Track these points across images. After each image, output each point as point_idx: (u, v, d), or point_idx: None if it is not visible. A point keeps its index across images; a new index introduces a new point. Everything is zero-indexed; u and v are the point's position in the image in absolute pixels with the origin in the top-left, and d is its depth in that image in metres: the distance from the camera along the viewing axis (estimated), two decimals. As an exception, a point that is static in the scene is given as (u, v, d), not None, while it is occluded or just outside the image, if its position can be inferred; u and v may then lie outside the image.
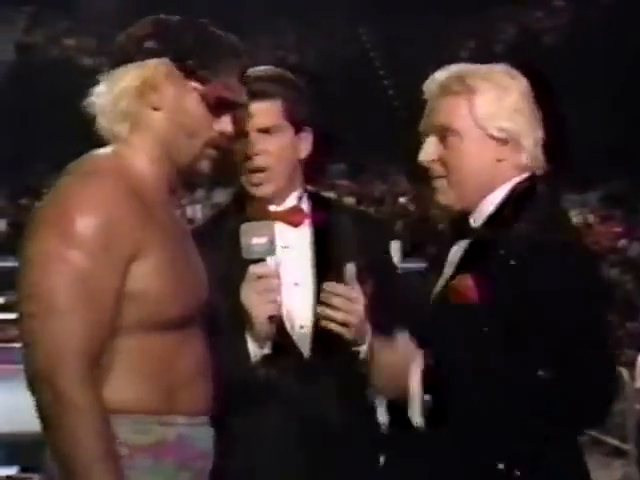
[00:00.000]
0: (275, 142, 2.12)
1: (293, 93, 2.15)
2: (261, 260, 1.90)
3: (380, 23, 22.15)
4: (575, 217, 13.36)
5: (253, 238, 1.89)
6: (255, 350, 1.97)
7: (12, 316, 8.48)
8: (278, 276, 2.00)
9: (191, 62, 1.77)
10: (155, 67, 1.76)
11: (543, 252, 1.80)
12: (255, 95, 2.08)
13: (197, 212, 14.81)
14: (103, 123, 1.78)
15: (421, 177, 2.04)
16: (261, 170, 2.12)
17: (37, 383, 1.61)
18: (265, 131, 2.11)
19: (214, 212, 2.29)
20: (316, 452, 2.08)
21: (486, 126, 1.90)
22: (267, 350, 1.97)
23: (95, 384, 1.62)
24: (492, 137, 1.92)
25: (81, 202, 1.66)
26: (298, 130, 2.15)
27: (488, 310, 1.81)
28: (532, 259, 1.79)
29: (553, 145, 1.98)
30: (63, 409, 1.58)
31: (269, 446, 2.07)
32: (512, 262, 1.81)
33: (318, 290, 2.05)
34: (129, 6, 21.23)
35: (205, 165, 1.82)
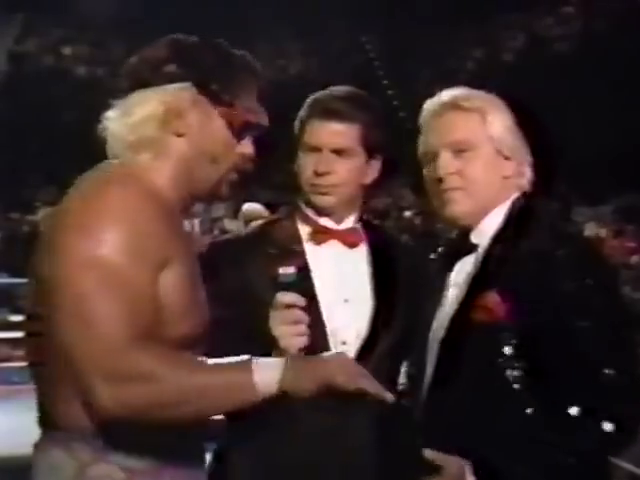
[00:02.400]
0: (345, 165, 2.21)
1: (372, 118, 2.22)
2: (289, 290, 1.93)
3: (384, 32, 22.20)
4: (587, 231, 13.36)
5: (280, 268, 1.92)
6: None
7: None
8: (317, 305, 2.11)
9: (215, 86, 1.78)
10: (179, 93, 1.78)
11: (564, 266, 1.86)
12: (335, 115, 2.19)
13: (195, 226, 14.82)
14: (119, 149, 1.79)
15: (427, 191, 2.10)
16: (325, 187, 2.21)
17: (100, 388, 1.59)
18: (338, 152, 2.17)
19: (259, 225, 2.35)
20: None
21: (496, 142, 2.03)
22: None
23: (154, 345, 1.62)
24: (501, 153, 2.04)
25: (115, 209, 1.66)
26: (370, 156, 2.22)
27: (514, 328, 1.86)
28: (552, 274, 1.85)
29: (541, 167, 2.09)
30: (145, 387, 1.59)
31: (286, 470, 2.08)
32: (531, 277, 1.86)
33: (374, 309, 2.18)
34: (126, 15, 21.30)
35: (225, 190, 1.85)
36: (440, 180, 2.04)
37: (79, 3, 22.04)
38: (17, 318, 9.47)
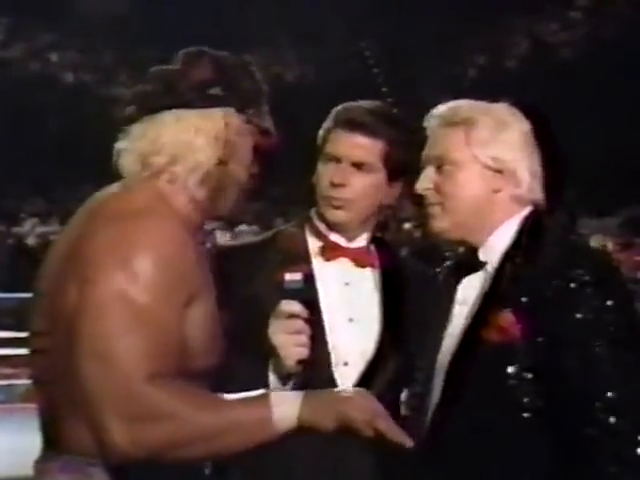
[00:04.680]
0: (363, 180, 2.22)
1: (399, 137, 2.22)
2: (294, 297, 1.94)
3: (384, 38, 22.25)
4: (592, 244, 13.33)
5: (287, 274, 1.93)
6: (276, 385, 1.99)
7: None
8: (320, 318, 2.07)
9: (250, 111, 1.85)
10: (226, 121, 1.82)
11: (582, 288, 1.86)
12: (359, 127, 2.21)
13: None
14: (143, 166, 1.81)
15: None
16: (339, 201, 2.21)
17: (117, 427, 1.61)
18: (357, 166, 2.18)
19: (272, 232, 2.38)
20: None
21: (480, 155, 2.03)
22: (288, 388, 2.00)
23: (173, 383, 1.65)
24: (487, 166, 2.03)
25: (149, 241, 1.68)
26: (392, 177, 2.22)
27: (527, 349, 1.86)
28: (570, 295, 1.85)
29: (552, 186, 2.07)
30: (175, 425, 1.62)
31: None
32: (547, 297, 1.86)
33: (381, 331, 2.19)
34: (116, 20, 21.33)
35: (236, 208, 1.90)
36: (421, 195, 2.08)
37: (66, 8, 22.07)
38: (-1, 334, 9.45)
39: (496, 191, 2.03)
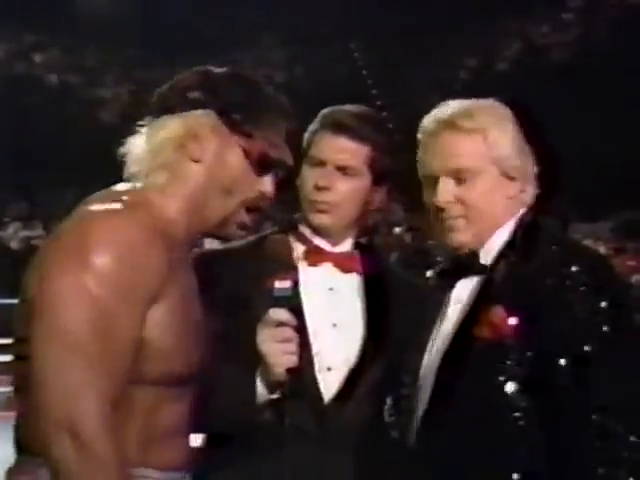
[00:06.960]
0: (347, 184, 2.23)
1: (384, 143, 2.23)
2: (283, 305, 1.95)
3: (374, 39, 22.27)
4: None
5: (276, 281, 1.94)
6: (263, 393, 2.00)
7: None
8: (302, 326, 2.08)
9: (237, 116, 1.85)
10: (198, 118, 1.85)
11: (577, 286, 1.87)
12: (345, 130, 2.21)
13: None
14: (137, 171, 1.84)
15: (418, 207, 2.10)
16: (324, 204, 2.23)
17: (55, 434, 1.62)
18: (342, 170, 2.19)
19: (256, 236, 2.37)
20: None
21: (500, 164, 2.01)
22: (277, 395, 2.01)
23: (115, 432, 1.64)
24: (505, 175, 2.04)
25: (108, 237, 1.69)
26: (377, 181, 2.23)
27: (520, 346, 1.86)
28: (565, 292, 1.86)
29: (545, 179, 2.08)
30: (86, 460, 1.61)
31: None
32: (541, 295, 1.87)
33: (365, 336, 2.20)
34: (102, 20, 21.32)
35: (233, 230, 1.89)
36: (441, 208, 2.05)
37: (51, 7, 22.03)
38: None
39: (510, 198, 2.04)
